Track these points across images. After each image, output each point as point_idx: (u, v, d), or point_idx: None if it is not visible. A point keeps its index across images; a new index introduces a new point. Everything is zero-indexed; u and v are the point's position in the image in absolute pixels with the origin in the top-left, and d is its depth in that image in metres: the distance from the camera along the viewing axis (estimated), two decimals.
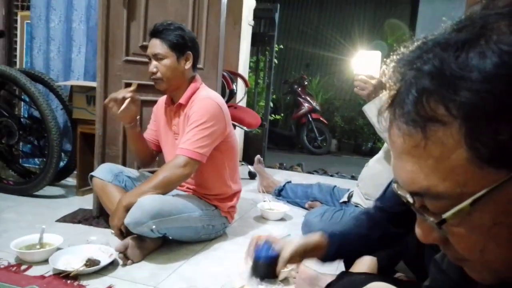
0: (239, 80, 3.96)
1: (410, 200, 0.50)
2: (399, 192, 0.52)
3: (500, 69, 0.40)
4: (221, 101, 2.06)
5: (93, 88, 2.47)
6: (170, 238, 1.98)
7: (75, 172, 2.85)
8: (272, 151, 6.12)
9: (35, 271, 1.69)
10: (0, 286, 1.55)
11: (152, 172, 2.13)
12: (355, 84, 1.92)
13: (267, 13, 4.71)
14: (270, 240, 1.18)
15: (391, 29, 6.73)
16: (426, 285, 0.84)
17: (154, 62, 1.96)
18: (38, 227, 1.90)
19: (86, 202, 2.56)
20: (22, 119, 2.89)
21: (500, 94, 0.40)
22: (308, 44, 7.90)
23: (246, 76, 4.35)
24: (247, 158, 4.11)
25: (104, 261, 1.73)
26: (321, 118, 6.60)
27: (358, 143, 7.01)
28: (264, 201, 2.72)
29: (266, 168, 3.41)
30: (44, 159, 2.74)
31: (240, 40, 4.13)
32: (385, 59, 0.53)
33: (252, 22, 4.36)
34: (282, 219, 2.60)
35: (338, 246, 1.18)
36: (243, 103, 4.26)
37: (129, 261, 1.80)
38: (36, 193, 2.68)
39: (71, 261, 1.72)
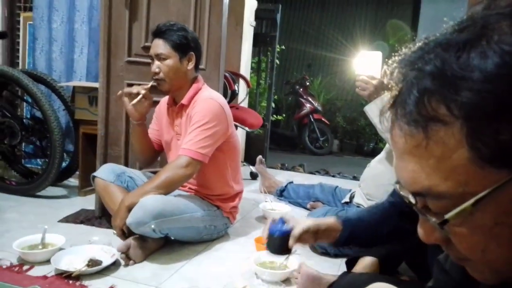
0: (241, 81, 3.96)
1: (412, 200, 0.50)
2: (401, 192, 0.52)
3: (501, 69, 0.40)
4: (223, 101, 2.06)
5: (95, 89, 2.47)
6: (172, 238, 1.99)
7: (77, 172, 2.86)
8: (274, 151, 6.12)
9: (37, 271, 1.70)
10: (2, 286, 1.55)
11: (154, 172, 2.13)
12: (356, 84, 1.92)
13: (269, 14, 4.71)
14: (284, 217, 1.28)
15: (393, 29, 6.72)
16: (430, 285, 0.84)
17: (156, 62, 1.97)
18: (40, 227, 1.91)
19: (88, 202, 2.57)
20: (24, 120, 2.89)
21: (501, 94, 0.40)
22: (310, 44, 7.89)
23: (248, 76, 4.35)
24: (249, 159, 4.11)
25: (106, 261, 1.73)
26: (323, 119, 6.59)
27: (360, 143, 7.00)
28: (266, 201, 2.72)
29: (268, 168, 3.41)
30: (47, 160, 2.74)
31: (242, 40, 4.13)
32: (386, 60, 0.53)
33: (254, 23, 4.36)
34: None
35: (350, 232, 1.23)
36: (245, 104, 4.27)
37: (131, 262, 1.80)
38: (39, 193, 2.69)
39: (73, 261, 1.73)
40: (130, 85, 2.14)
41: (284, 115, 7.24)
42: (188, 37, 1.98)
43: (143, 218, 1.79)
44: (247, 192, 2.87)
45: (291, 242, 1.23)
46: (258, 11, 4.41)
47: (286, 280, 1.73)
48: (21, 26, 3.27)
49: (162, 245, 1.99)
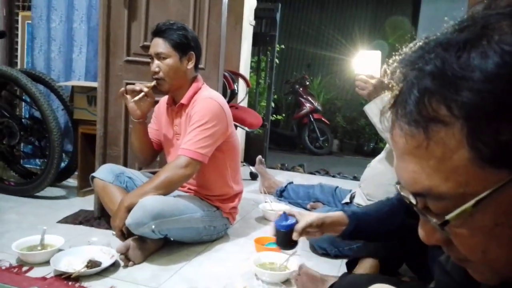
0: (240, 80, 3.96)
1: (413, 201, 0.50)
2: (402, 193, 0.52)
3: (501, 69, 0.40)
4: (223, 101, 2.05)
5: (94, 89, 2.47)
6: (172, 239, 1.98)
7: (76, 173, 2.85)
8: (274, 151, 6.11)
9: (36, 272, 1.69)
10: (1, 287, 1.55)
11: (154, 172, 2.13)
12: (355, 84, 1.92)
13: (268, 13, 4.71)
14: (288, 212, 1.38)
15: (392, 27, 6.72)
16: (431, 287, 0.84)
17: (156, 62, 1.96)
18: (39, 228, 1.90)
19: (87, 203, 2.56)
20: (23, 120, 2.89)
21: (502, 94, 0.40)
22: (309, 44, 7.90)
23: (247, 76, 4.35)
24: (249, 159, 4.10)
25: (106, 262, 1.73)
26: (322, 118, 6.59)
27: (360, 143, 7.00)
28: (266, 202, 2.71)
29: (267, 168, 3.41)
30: (45, 160, 2.74)
31: (241, 40, 4.13)
32: (386, 59, 0.53)
33: (253, 22, 4.36)
34: None
35: (355, 226, 1.30)
36: (244, 103, 4.26)
37: (131, 263, 1.80)
38: (37, 194, 2.68)
39: (73, 263, 1.72)
40: (129, 84, 2.14)
41: (283, 114, 7.25)
42: (188, 36, 1.98)
43: (143, 218, 1.78)
44: (246, 192, 2.86)
45: (295, 236, 1.31)
46: (257, 11, 4.40)
47: (286, 281, 1.73)
48: (19, 25, 3.27)
49: (161, 246, 1.98)
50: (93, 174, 2.10)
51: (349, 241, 1.78)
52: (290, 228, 1.32)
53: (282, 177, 3.43)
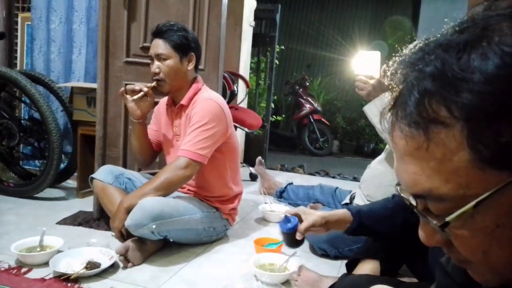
0: (240, 81, 3.95)
1: (413, 202, 0.50)
2: (402, 194, 0.52)
3: (501, 70, 0.40)
4: (223, 102, 2.05)
5: (94, 90, 2.47)
6: (171, 240, 1.98)
7: (75, 174, 2.85)
8: (274, 152, 6.11)
9: (35, 273, 1.69)
10: None
11: (153, 174, 2.13)
12: (355, 84, 1.92)
13: (268, 14, 4.71)
14: (292, 212, 1.45)
15: (392, 27, 6.73)
16: None
17: (156, 63, 1.96)
18: (38, 230, 1.90)
19: (86, 204, 2.56)
20: (22, 121, 2.89)
21: (502, 95, 0.40)
22: (309, 44, 7.90)
23: (247, 77, 4.35)
24: (248, 160, 4.10)
25: (105, 263, 1.73)
26: (322, 119, 6.59)
27: (360, 144, 7.00)
28: (266, 203, 2.71)
29: (267, 169, 3.40)
30: (45, 161, 2.74)
31: (241, 41, 4.13)
32: (386, 60, 0.53)
33: (253, 23, 4.36)
34: None
35: (359, 223, 1.36)
36: (244, 104, 4.26)
37: (130, 264, 1.80)
38: (37, 195, 2.68)
39: (72, 264, 1.72)
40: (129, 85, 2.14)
41: (283, 115, 7.25)
42: (189, 37, 1.98)
43: (142, 220, 1.78)
44: (246, 193, 2.86)
45: (298, 236, 1.38)
46: (257, 11, 4.40)
47: (286, 282, 1.73)
48: (19, 27, 3.27)
49: (161, 247, 1.98)
50: (93, 175, 2.10)
51: (354, 237, 1.82)
52: (293, 230, 1.39)
53: (282, 178, 3.43)
